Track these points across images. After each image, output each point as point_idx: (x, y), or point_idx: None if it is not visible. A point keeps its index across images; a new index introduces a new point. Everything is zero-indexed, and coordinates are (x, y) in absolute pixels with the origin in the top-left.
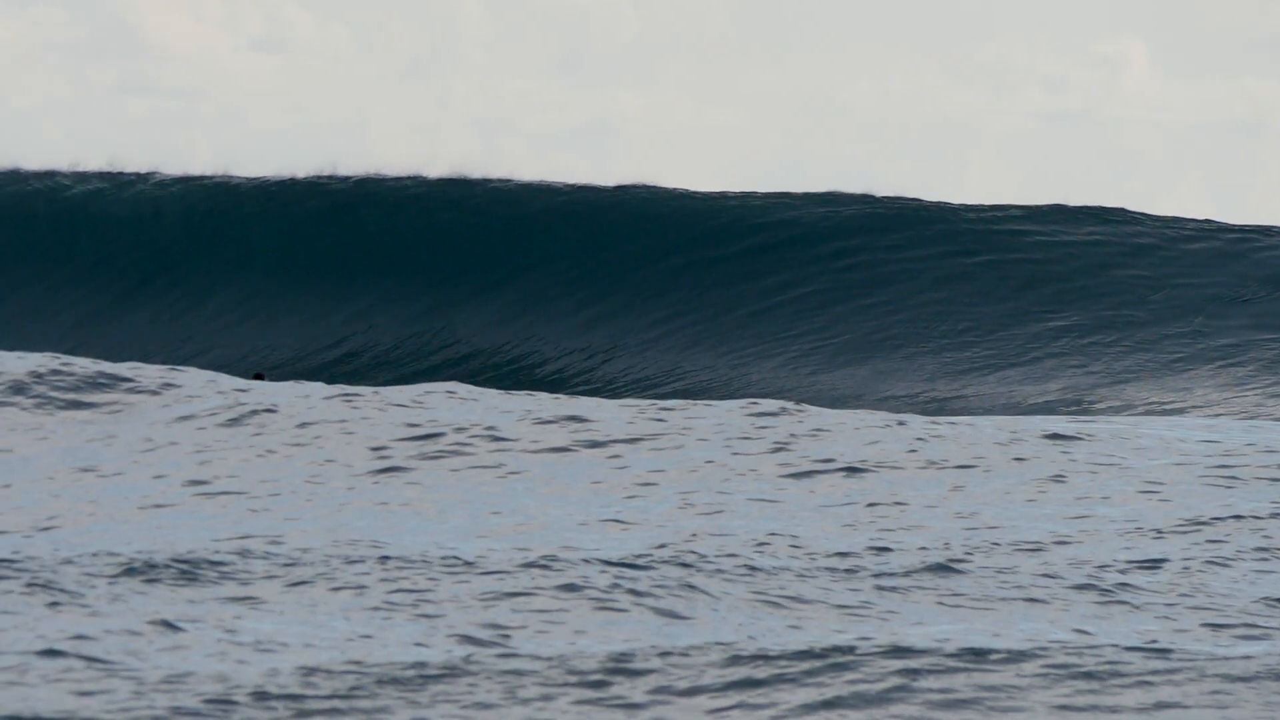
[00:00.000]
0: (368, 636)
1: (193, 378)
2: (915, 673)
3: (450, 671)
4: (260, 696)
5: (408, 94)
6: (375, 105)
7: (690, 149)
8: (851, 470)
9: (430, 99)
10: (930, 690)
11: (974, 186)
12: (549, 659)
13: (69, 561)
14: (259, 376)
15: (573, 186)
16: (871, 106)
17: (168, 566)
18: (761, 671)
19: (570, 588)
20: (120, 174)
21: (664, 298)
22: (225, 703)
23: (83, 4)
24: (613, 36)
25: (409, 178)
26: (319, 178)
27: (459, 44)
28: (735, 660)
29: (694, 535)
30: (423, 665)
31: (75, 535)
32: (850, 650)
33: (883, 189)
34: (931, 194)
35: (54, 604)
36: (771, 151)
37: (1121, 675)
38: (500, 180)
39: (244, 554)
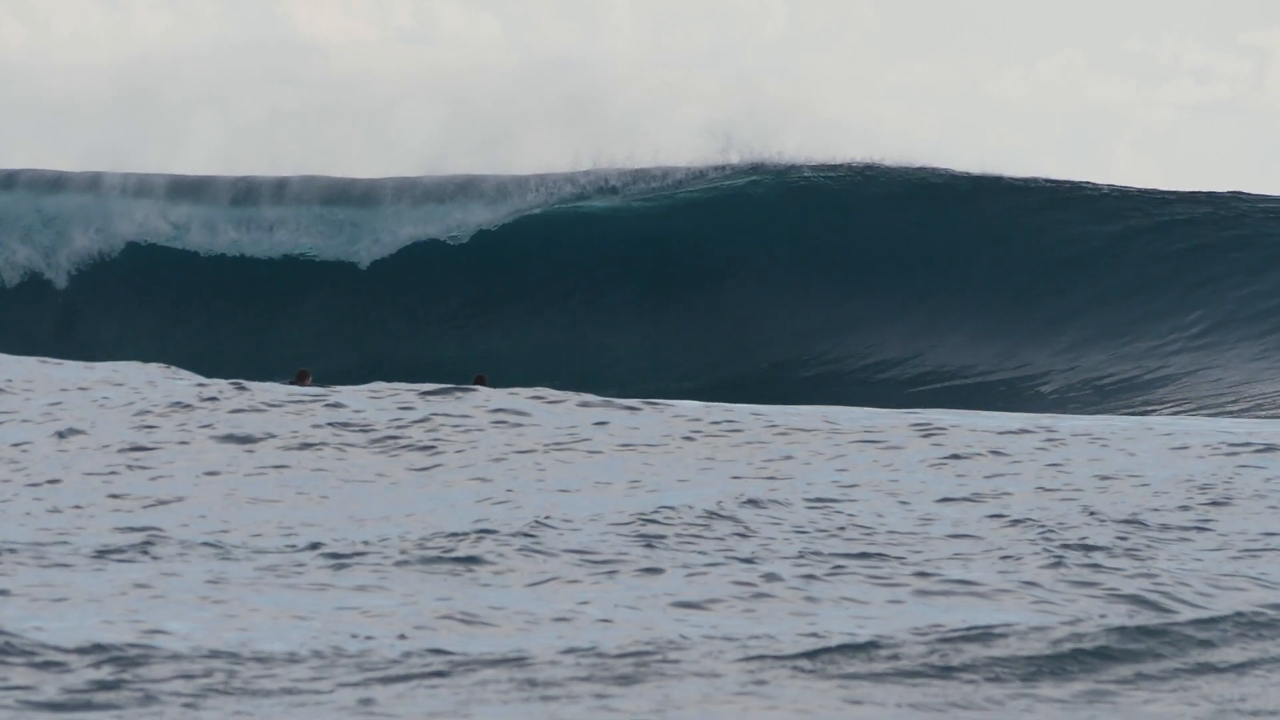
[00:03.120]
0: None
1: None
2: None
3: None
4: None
5: (558, 86)
6: (524, 98)
7: (837, 138)
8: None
9: (580, 91)
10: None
11: (1122, 177)
12: (761, 639)
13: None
14: (480, 380)
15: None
16: (1020, 98)
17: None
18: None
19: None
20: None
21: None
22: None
23: None
24: (760, 29)
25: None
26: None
27: (606, 35)
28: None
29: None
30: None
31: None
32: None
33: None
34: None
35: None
36: (919, 143)
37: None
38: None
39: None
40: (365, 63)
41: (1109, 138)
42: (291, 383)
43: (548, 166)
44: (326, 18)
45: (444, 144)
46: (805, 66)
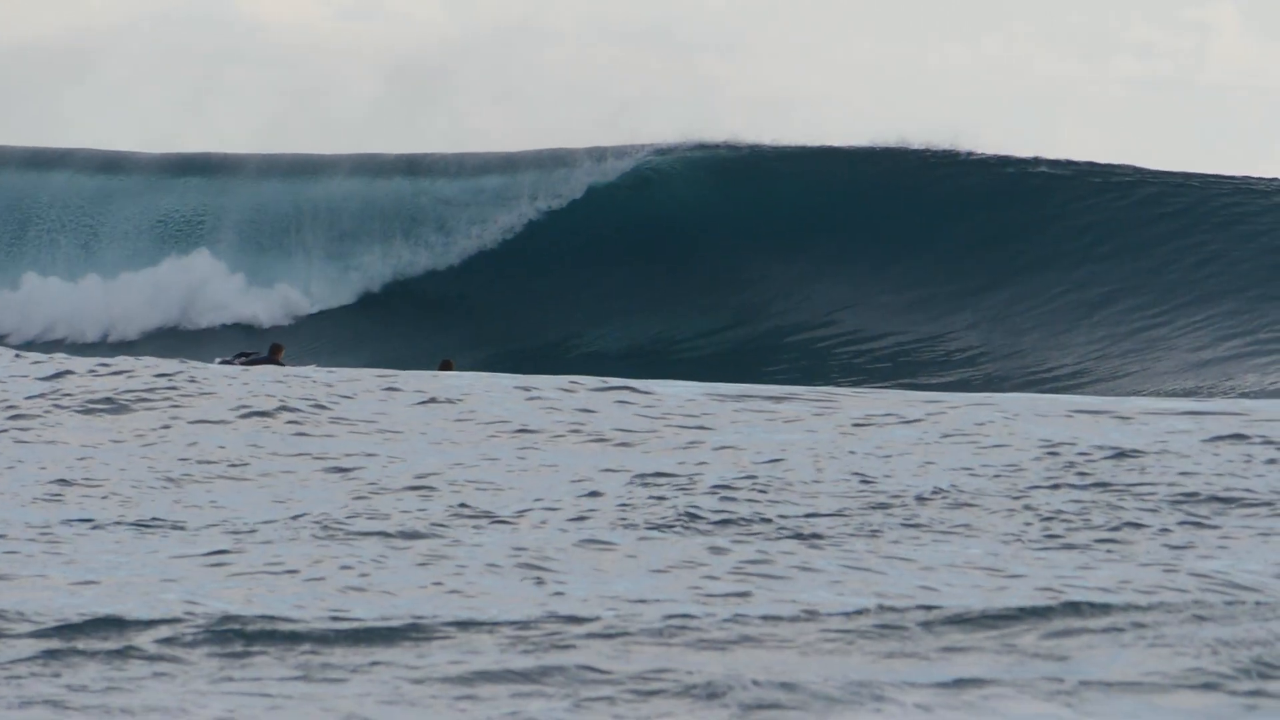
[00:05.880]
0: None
1: None
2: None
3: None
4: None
5: (498, 63)
6: (465, 74)
7: (781, 114)
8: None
9: (520, 68)
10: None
11: (1066, 153)
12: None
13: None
14: (446, 365)
15: None
16: (961, 72)
17: None
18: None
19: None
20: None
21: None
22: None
23: None
24: (703, 3)
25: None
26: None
27: (548, 11)
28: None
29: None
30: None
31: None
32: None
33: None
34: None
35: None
36: (860, 117)
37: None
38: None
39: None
40: (308, 39)
41: (1054, 111)
42: (244, 359)
43: (485, 144)
44: None
45: (384, 120)
46: (748, 43)
